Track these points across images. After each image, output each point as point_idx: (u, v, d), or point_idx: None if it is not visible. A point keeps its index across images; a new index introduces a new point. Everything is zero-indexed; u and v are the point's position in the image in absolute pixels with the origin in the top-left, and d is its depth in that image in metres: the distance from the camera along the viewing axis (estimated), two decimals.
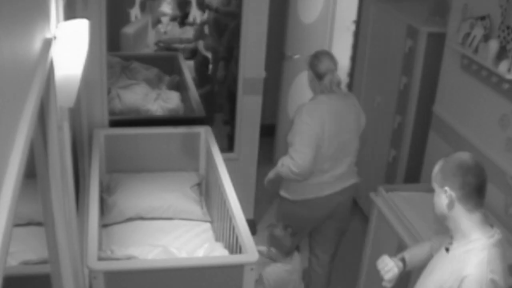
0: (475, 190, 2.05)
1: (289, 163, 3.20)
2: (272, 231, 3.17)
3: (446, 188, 2.06)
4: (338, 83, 3.29)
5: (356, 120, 3.33)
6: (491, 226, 2.13)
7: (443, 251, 2.17)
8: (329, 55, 3.33)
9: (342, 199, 3.41)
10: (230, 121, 4.69)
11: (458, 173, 2.05)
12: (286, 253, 3.17)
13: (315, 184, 3.28)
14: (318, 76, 3.26)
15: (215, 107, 5.24)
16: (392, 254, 3.14)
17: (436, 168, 2.12)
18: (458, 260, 2.06)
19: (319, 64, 3.26)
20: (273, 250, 3.15)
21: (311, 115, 3.18)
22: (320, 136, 3.16)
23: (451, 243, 2.14)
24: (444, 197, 2.07)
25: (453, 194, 2.04)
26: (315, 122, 3.15)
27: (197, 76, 5.46)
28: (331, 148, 3.21)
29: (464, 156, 2.15)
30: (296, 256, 3.27)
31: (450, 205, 2.06)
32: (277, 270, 3.16)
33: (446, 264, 2.12)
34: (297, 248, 3.41)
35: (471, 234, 2.07)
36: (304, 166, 3.15)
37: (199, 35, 5.77)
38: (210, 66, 5.72)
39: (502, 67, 2.86)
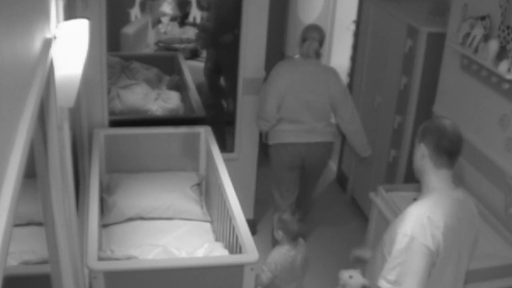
0: (446, 152, 2.27)
1: (258, 109, 3.90)
2: (280, 216, 3.35)
3: (422, 144, 2.31)
4: (316, 51, 3.80)
5: (326, 86, 3.80)
6: (456, 186, 2.38)
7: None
8: (317, 27, 3.96)
9: (309, 151, 3.92)
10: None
11: (435, 134, 2.29)
12: (293, 238, 3.32)
13: (280, 131, 3.88)
14: (301, 40, 3.85)
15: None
16: None
17: (422, 125, 2.39)
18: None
19: (304, 31, 3.89)
20: (280, 233, 3.31)
21: (278, 70, 3.82)
22: (282, 88, 3.74)
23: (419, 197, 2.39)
24: (419, 151, 2.32)
25: (426, 150, 2.29)
26: (280, 76, 3.77)
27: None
28: (293, 101, 3.77)
29: (446, 121, 2.37)
30: (302, 244, 3.41)
31: (422, 158, 2.31)
32: (282, 252, 3.30)
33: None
34: (304, 236, 3.54)
35: (434, 187, 2.31)
36: (265, 110, 3.79)
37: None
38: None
39: (502, 67, 2.86)
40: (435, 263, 2.24)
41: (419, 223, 2.20)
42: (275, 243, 3.46)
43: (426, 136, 2.31)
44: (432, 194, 2.30)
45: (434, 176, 2.30)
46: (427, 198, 2.30)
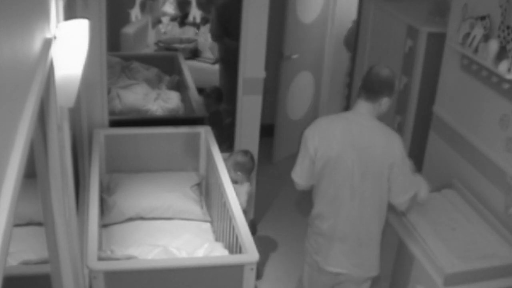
0: (362, 87, 2.78)
1: None
2: (235, 158, 3.73)
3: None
4: None
5: None
6: (371, 117, 2.77)
7: None
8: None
9: None
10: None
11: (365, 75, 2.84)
12: (249, 174, 3.81)
13: None
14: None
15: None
16: (392, 254, 3.15)
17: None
18: None
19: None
20: (239, 173, 3.70)
21: None
22: None
23: None
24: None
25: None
26: None
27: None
28: None
29: (377, 67, 2.84)
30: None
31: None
32: (245, 190, 3.70)
33: None
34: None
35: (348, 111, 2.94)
36: None
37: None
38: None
39: (502, 67, 2.86)
40: (314, 160, 2.76)
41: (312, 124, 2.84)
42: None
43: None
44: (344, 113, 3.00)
45: (354, 103, 2.87)
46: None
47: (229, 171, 3.53)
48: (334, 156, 2.71)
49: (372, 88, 2.73)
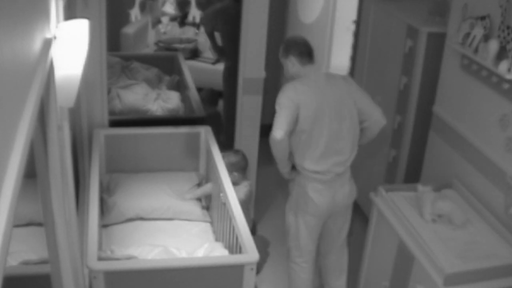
0: (306, 53, 3.24)
1: None
2: (228, 160, 3.68)
3: (290, 56, 3.22)
4: None
5: None
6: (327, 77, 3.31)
7: None
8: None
9: None
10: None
11: (296, 46, 3.25)
12: (245, 171, 3.83)
13: None
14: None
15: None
16: (392, 254, 3.15)
17: (283, 45, 3.29)
18: None
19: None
20: (235, 174, 3.67)
21: None
22: None
23: None
24: (289, 62, 3.22)
25: (294, 58, 3.21)
26: None
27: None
28: None
29: (297, 36, 3.57)
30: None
31: (293, 66, 3.22)
32: (243, 190, 3.71)
33: None
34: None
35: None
36: None
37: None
38: None
39: (502, 67, 2.86)
40: (298, 113, 3.11)
41: (285, 90, 3.17)
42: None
43: (290, 50, 3.22)
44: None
45: (303, 72, 3.21)
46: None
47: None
48: (315, 109, 3.14)
49: (311, 50, 3.26)
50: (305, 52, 3.24)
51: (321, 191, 3.25)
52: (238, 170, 3.73)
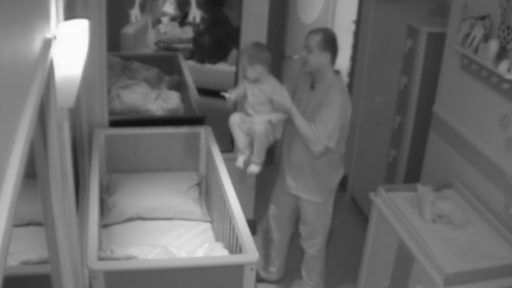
0: (336, 56, 3.27)
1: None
2: (248, 53, 3.22)
3: (327, 52, 3.19)
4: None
5: None
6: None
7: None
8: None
9: None
10: None
11: (334, 46, 3.25)
12: (268, 66, 3.31)
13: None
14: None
15: None
16: (392, 254, 3.15)
17: (322, 36, 3.21)
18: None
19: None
20: (258, 66, 3.19)
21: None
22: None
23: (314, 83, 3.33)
24: (324, 57, 3.19)
25: (329, 55, 3.21)
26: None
27: None
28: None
29: (333, 32, 3.35)
30: None
31: (326, 62, 3.22)
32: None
33: (318, 93, 3.28)
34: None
35: (332, 76, 3.28)
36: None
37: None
38: None
39: (502, 67, 2.86)
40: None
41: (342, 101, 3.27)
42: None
43: (328, 47, 3.19)
44: (334, 80, 3.27)
45: (331, 71, 3.26)
46: (335, 83, 3.27)
47: (244, 70, 3.22)
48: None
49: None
50: (336, 54, 3.27)
51: None
52: (262, 62, 3.20)
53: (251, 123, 3.25)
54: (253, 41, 3.43)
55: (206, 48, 6.27)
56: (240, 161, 3.36)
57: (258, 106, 3.26)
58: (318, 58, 3.20)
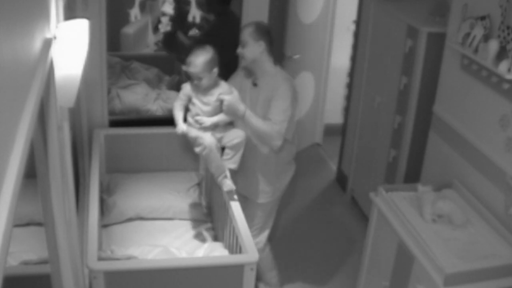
0: (272, 45, 3.23)
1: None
2: (205, 57, 3.05)
3: (261, 41, 3.17)
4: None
5: None
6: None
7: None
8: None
9: None
10: None
11: (269, 35, 3.22)
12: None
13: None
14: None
15: None
16: (392, 254, 3.15)
17: (255, 26, 3.20)
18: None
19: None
20: (215, 70, 3.07)
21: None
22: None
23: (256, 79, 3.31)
24: (259, 47, 3.17)
25: (265, 45, 3.18)
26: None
27: None
28: None
29: (265, 23, 3.43)
30: None
31: (262, 52, 3.19)
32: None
33: (262, 91, 3.26)
34: None
35: (271, 69, 3.26)
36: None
37: None
38: None
39: (502, 67, 2.86)
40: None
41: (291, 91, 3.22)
42: None
43: (261, 36, 3.16)
44: (278, 72, 3.27)
45: (270, 62, 3.25)
46: (281, 75, 3.26)
47: (201, 79, 3.06)
48: None
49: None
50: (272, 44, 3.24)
51: None
52: (216, 64, 3.08)
53: (202, 139, 3.08)
54: (196, 49, 3.15)
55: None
56: (229, 184, 3.18)
57: (205, 115, 3.12)
58: (253, 48, 3.17)
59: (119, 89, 4.52)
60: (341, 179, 5.21)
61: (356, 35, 4.87)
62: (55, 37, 1.81)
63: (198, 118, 3.11)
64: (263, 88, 3.26)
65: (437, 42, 3.67)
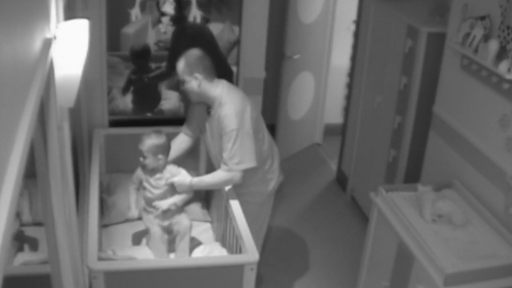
0: (211, 68, 3.12)
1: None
2: (152, 142, 3.22)
3: (197, 74, 3.07)
4: None
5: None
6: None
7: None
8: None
9: None
10: None
11: (200, 63, 3.09)
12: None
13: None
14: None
15: None
16: (392, 254, 3.15)
17: (184, 63, 3.08)
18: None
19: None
20: (161, 157, 3.26)
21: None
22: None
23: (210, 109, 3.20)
24: (194, 82, 3.09)
25: (201, 76, 3.07)
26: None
27: None
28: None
29: (195, 51, 3.14)
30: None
31: (199, 86, 3.09)
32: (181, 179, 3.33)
33: (214, 122, 3.18)
34: None
35: (218, 93, 3.13)
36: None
37: None
38: None
39: (502, 67, 2.86)
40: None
41: (237, 117, 3.04)
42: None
43: (194, 68, 3.06)
44: (222, 97, 3.10)
45: (213, 88, 3.12)
46: (224, 100, 3.09)
47: (145, 158, 3.22)
48: None
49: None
50: (210, 66, 3.12)
51: None
52: (165, 152, 3.26)
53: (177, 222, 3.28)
54: (152, 131, 3.29)
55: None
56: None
57: (157, 198, 3.29)
58: (191, 83, 3.10)
59: (119, 89, 4.52)
60: (341, 179, 5.21)
61: (356, 35, 4.86)
62: (55, 37, 1.81)
63: (155, 204, 3.27)
64: (213, 117, 3.18)
65: (437, 42, 3.67)
